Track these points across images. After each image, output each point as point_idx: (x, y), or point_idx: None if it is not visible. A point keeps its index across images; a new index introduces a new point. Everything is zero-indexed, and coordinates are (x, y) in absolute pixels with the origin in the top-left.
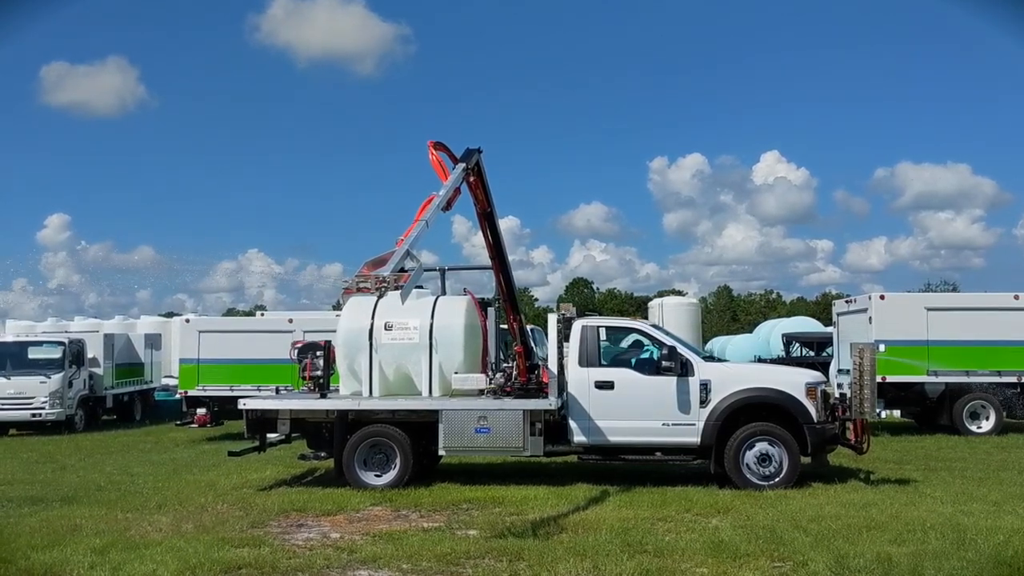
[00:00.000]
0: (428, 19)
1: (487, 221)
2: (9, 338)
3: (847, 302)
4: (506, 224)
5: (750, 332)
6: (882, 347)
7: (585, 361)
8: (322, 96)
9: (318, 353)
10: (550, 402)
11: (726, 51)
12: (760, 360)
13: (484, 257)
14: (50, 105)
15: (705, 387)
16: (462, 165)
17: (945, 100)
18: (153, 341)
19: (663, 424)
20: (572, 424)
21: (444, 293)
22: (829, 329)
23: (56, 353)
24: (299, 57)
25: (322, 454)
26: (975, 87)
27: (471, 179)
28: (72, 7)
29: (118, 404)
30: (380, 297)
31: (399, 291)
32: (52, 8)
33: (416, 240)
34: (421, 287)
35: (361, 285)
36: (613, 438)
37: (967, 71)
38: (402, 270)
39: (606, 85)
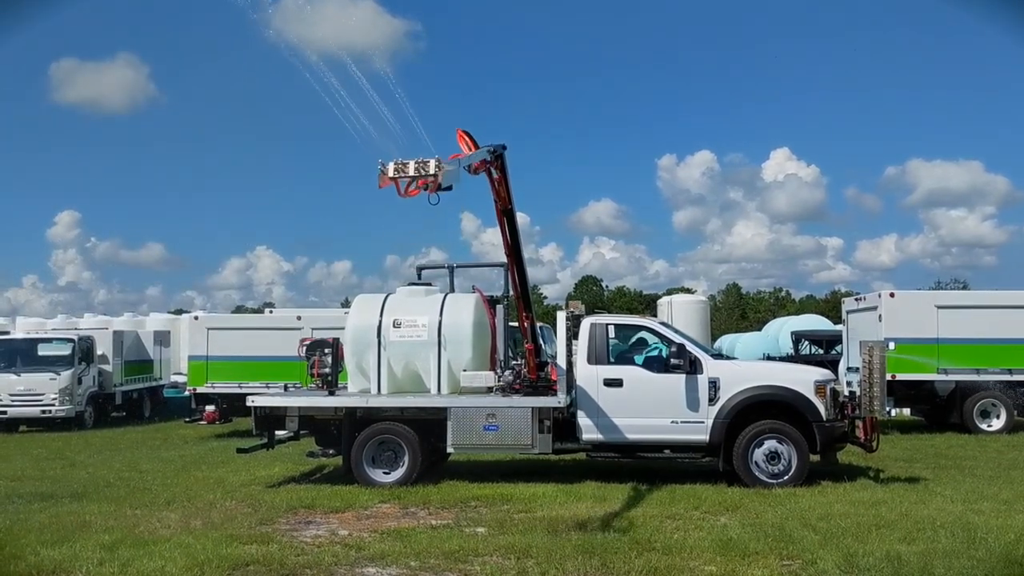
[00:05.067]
0: (438, 15)
1: (507, 219)
2: (19, 335)
3: (857, 300)
4: (517, 221)
5: (759, 330)
6: (892, 345)
7: (594, 359)
8: (332, 92)
9: (326, 350)
10: (559, 399)
11: (734, 48)
12: (769, 358)
13: (493, 255)
14: (60, 102)
15: (714, 385)
16: (490, 146)
17: (957, 96)
18: (162, 338)
19: (672, 422)
20: (581, 422)
21: (453, 290)
22: (839, 327)
23: (66, 350)
24: (308, 54)
25: (330, 451)
26: (988, 83)
27: (496, 176)
28: (81, 3)
29: (127, 401)
30: (428, 189)
31: (439, 188)
32: (60, 4)
33: (448, 163)
34: (430, 284)
35: (401, 175)
36: (622, 436)
37: (979, 67)
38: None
39: (615, 82)
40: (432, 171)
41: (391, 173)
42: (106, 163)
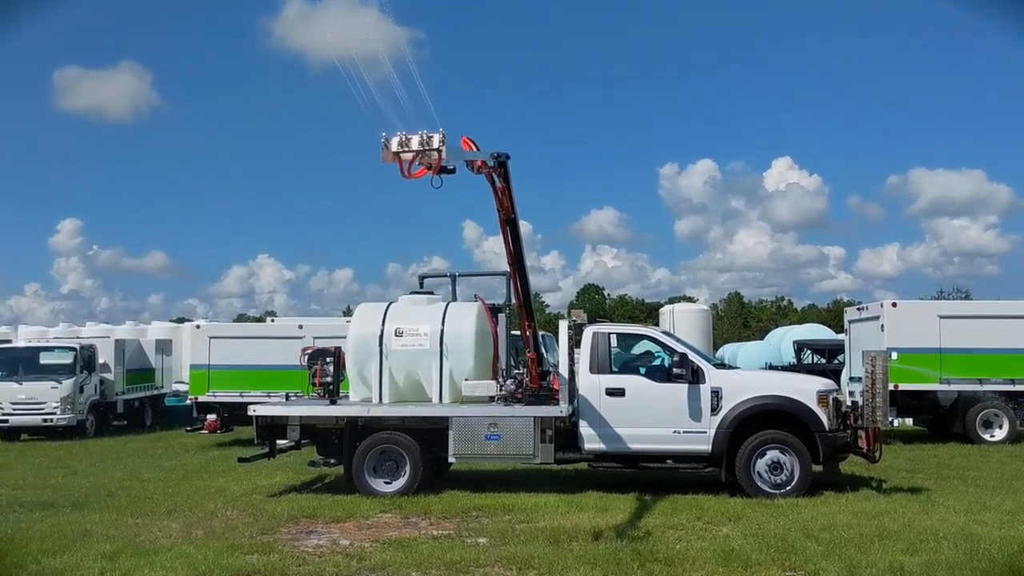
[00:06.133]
0: (441, 23)
1: (510, 228)
2: (21, 343)
3: (859, 309)
4: (520, 230)
5: (761, 339)
6: (894, 355)
7: (596, 368)
8: (335, 100)
9: (328, 359)
10: (561, 409)
11: (737, 57)
12: (771, 367)
13: (495, 263)
14: (63, 110)
15: (716, 394)
16: (494, 151)
17: (960, 105)
18: (164, 347)
19: (674, 431)
20: (583, 431)
21: (455, 299)
22: (841, 336)
23: (67, 358)
24: (311, 61)
25: (332, 461)
26: (990, 92)
27: (499, 185)
28: (84, 10)
29: (129, 410)
30: (431, 170)
31: (442, 169)
32: (63, 11)
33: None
34: (432, 293)
35: (404, 149)
36: (624, 445)
37: (982, 76)
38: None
39: (617, 91)
40: (436, 144)
41: (394, 147)
42: (109, 171)
